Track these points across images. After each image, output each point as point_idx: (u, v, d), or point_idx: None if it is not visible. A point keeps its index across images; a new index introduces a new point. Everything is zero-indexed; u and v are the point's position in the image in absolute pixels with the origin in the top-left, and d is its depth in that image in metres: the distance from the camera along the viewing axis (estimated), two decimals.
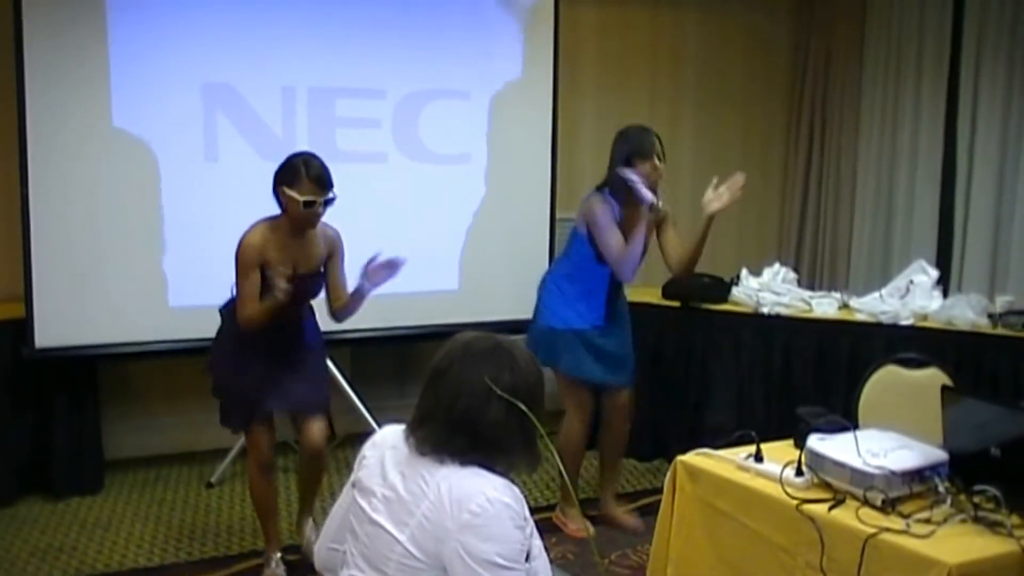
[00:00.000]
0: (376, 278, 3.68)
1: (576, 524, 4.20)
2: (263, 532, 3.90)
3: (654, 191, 3.93)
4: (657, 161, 3.98)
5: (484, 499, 1.84)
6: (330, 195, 3.52)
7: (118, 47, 4.41)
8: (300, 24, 4.73)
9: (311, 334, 3.82)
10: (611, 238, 3.98)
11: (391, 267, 3.68)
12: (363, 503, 1.98)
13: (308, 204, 3.48)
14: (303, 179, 3.47)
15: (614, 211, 4.02)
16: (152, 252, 4.56)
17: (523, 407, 1.91)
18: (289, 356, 3.69)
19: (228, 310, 3.67)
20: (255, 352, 3.61)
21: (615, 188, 4.02)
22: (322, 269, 3.73)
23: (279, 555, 3.83)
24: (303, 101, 4.77)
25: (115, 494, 4.69)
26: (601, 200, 4.04)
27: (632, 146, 3.99)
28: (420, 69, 4.98)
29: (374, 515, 1.94)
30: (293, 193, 3.48)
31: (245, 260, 3.52)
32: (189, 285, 4.57)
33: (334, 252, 3.76)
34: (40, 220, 4.32)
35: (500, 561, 1.83)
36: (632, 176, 3.87)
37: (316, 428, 3.77)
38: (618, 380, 4.23)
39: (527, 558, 1.90)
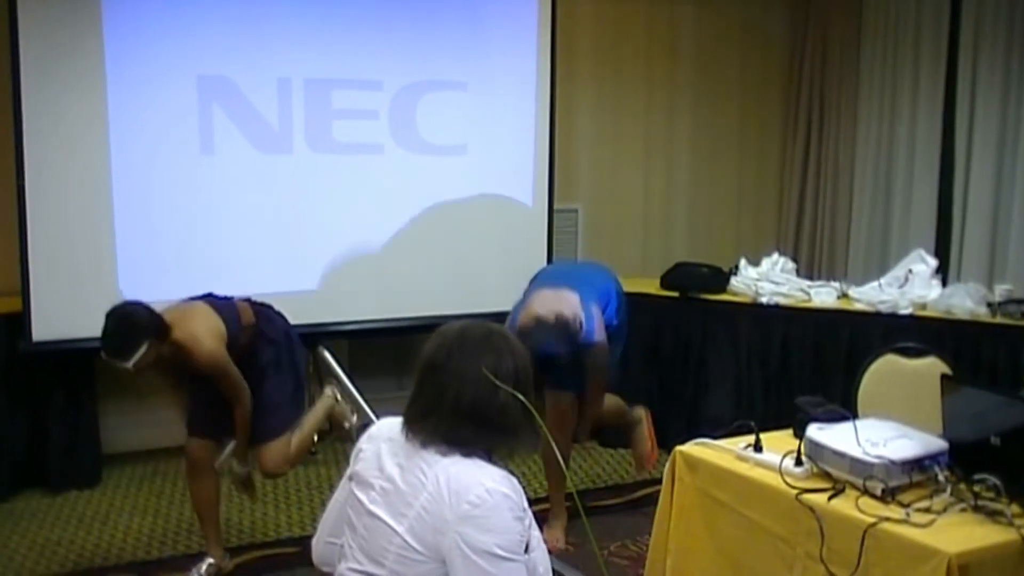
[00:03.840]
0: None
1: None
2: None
3: None
4: None
5: (483, 490, 1.83)
6: (120, 363, 3.28)
7: (113, 40, 4.39)
8: (296, 15, 4.72)
9: (264, 353, 3.68)
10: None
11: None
12: (361, 496, 1.97)
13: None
14: None
15: None
16: (149, 244, 4.55)
17: (522, 396, 1.91)
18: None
19: None
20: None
21: None
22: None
23: (210, 561, 3.75)
24: (299, 93, 4.75)
25: (112, 488, 4.68)
26: None
27: None
28: (417, 60, 4.97)
29: (372, 507, 1.93)
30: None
31: None
32: (186, 277, 4.56)
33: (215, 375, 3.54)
34: (37, 213, 4.31)
35: (499, 552, 1.82)
36: None
37: (267, 455, 3.71)
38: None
39: (526, 549, 1.90)
